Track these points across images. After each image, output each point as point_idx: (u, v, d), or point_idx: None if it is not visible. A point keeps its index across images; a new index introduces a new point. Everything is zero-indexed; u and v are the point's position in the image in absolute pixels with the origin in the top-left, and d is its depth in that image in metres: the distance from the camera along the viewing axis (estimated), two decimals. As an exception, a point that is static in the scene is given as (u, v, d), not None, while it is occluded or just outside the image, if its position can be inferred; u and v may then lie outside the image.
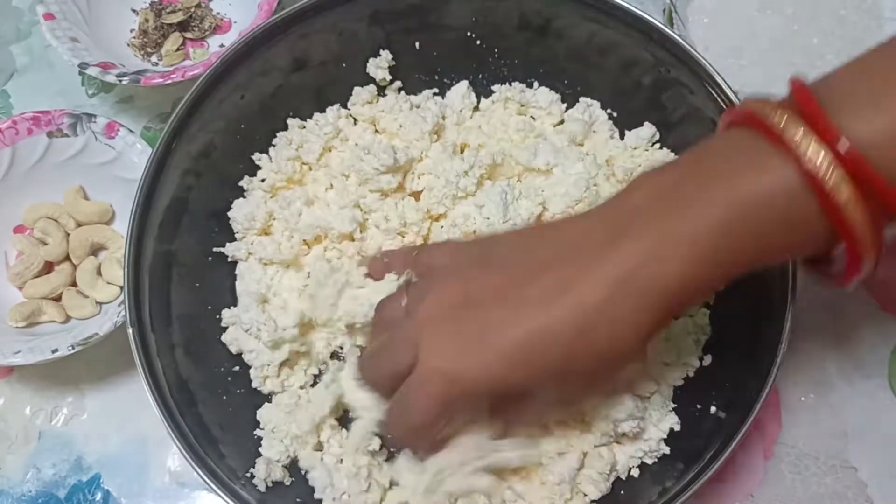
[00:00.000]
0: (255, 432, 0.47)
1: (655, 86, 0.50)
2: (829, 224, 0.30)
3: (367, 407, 0.41)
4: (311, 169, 0.53)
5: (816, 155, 0.29)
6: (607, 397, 0.43)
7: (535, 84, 0.54)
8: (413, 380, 0.36)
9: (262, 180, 0.52)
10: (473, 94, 0.55)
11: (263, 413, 0.47)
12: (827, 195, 0.29)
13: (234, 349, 0.49)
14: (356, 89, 0.54)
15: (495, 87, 0.54)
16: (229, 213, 0.51)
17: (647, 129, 0.52)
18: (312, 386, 0.49)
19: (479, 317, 0.35)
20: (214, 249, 0.51)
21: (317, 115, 0.54)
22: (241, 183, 0.52)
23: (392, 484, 0.45)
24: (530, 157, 0.50)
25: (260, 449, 0.46)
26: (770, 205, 0.30)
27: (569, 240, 0.35)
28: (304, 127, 0.53)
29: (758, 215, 0.31)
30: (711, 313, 0.48)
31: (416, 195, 0.51)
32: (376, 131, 0.54)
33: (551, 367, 0.34)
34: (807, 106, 0.30)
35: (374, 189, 0.50)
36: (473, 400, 0.36)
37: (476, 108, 0.55)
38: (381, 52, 0.53)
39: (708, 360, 0.45)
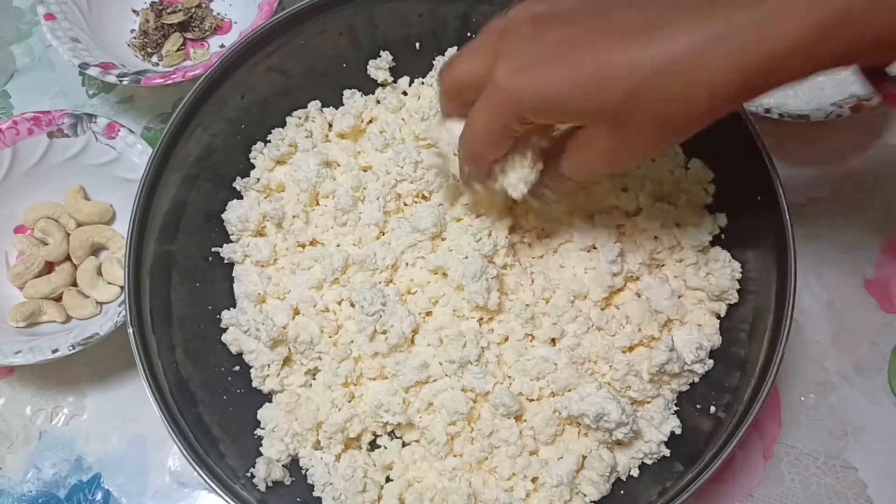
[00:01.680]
0: (255, 432, 0.47)
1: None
2: None
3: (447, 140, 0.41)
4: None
5: None
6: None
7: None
8: (483, 95, 0.36)
9: (257, 180, 0.52)
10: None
11: (263, 413, 0.48)
12: None
13: (234, 349, 0.49)
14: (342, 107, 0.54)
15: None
16: (223, 215, 0.51)
17: None
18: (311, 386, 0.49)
19: (560, 35, 0.33)
20: (213, 250, 0.51)
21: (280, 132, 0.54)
22: (234, 184, 0.52)
23: (388, 479, 0.46)
24: None
25: (260, 448, 0.47)
26: None
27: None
28: (303, 125, 0.53)
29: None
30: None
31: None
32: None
33: (616, 105, 0.32)
34: None
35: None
36: (532, 118, 0.35)
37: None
38: (382, 52, 0.53)
39: (710, 364, 0.45)
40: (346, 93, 0.54)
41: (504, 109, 0.35)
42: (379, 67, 0.54)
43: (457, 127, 0.40)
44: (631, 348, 0.45)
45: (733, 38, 0.30)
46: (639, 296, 0.46)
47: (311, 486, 0.46)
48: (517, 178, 0.40)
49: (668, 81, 0.31)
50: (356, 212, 0.49)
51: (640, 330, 0.45)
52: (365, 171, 0.51)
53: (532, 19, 0.35)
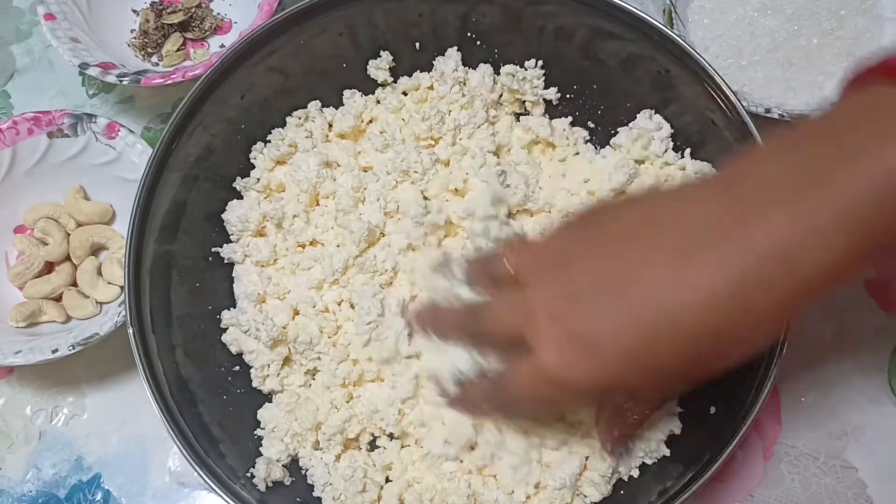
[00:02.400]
0: (255, 432, 0.47)
1: (655, 86, 0.50)
2: None
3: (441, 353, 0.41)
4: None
5: None
6: None
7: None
8: (524, 370, 0.33)
9: (257, 180, 0.52)
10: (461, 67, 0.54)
11: (263, 413, 0.48)
12: None
13: (234, 349, 0.49)
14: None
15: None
16: (223, 216, 0.51)
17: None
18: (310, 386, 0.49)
19: (593, 311, 0.31)
20: (213, 250, 0.51)
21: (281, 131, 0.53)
22: (234, 184, 0.52)
23: (388, 479, 0.46)
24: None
25: (260, 448, 0.47)
26: None
27: (692, 220, 0.30)
28: (303, 125, 0.53)
29: None
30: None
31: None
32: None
33: (675, 367, 0.31)
34: None
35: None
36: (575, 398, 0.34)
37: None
38: (382, 52, 0.53)
39: None
40: (346, 93, 0.54)
41: (550, 392, 0.33)
42: (379, 67, 0.54)
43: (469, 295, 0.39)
44: None
45: (773, 267, 0.28)
46: None
47: (311, 486, 0.46)
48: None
49: (726, 321, 0.29)
50: (357, 212, 0.49)
51: None
52: (365, 171, 0.51)
53: (559, 289, 0.33)
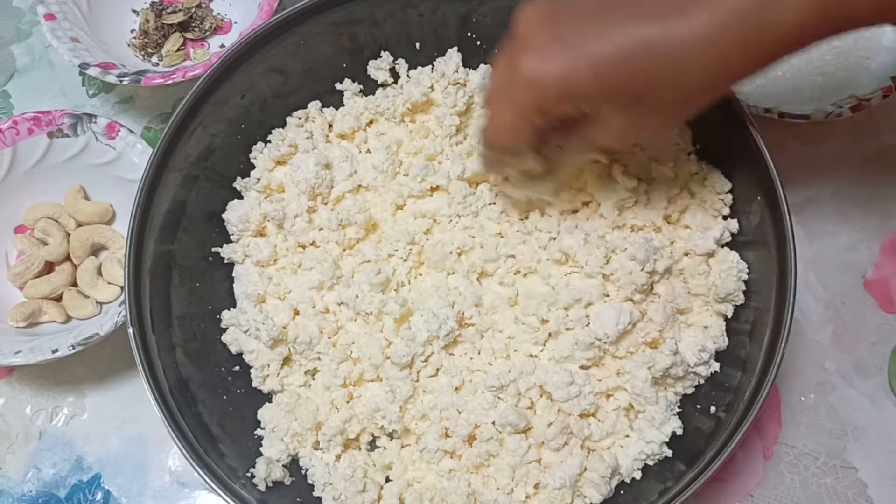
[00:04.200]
0: (255, 432, 0.47)
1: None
2: None
3: None
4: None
5: None
6: None
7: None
8: (504, 87, 0.37)
9: (258, 180, 0.52)
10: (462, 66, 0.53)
11: (264, 413, 0.48)
12: None
13: (234, 349, 0.49)
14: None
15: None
16: (223, 215, 0.51)
17: None
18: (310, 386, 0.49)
19: (576, 26, 0.34)
20: (213, 249, 0.51)
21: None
22: (234, 184, 0.52)
23: (388, 479, 0.46)
24: None
25: (260, 448, 0.47)
26: None
27: None
28: (303, 125, 0.53)
29: None
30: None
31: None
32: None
33: (637, 85, 0.34)
34: None
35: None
36: (554, 106, 0.36)
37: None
38: (382, 52, 0.53)
39: (716, 366, 0.45)
40: (346, 83, 0.54)
41: (526, 98, 0.36)
42: (379, 68, 0.54)
43: None
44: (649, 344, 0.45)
45: (742, 19, 0.32)
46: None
47: (312, 486, 0.46)
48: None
49: (685, 61, 0.33)
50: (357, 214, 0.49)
51: (660, 331, 0.45)
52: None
53: (544, 16, 0.36)
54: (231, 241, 0.51)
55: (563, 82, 0.35)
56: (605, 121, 0.37)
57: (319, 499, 0.46)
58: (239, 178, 0.52)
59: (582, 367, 0.45)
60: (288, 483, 0.46)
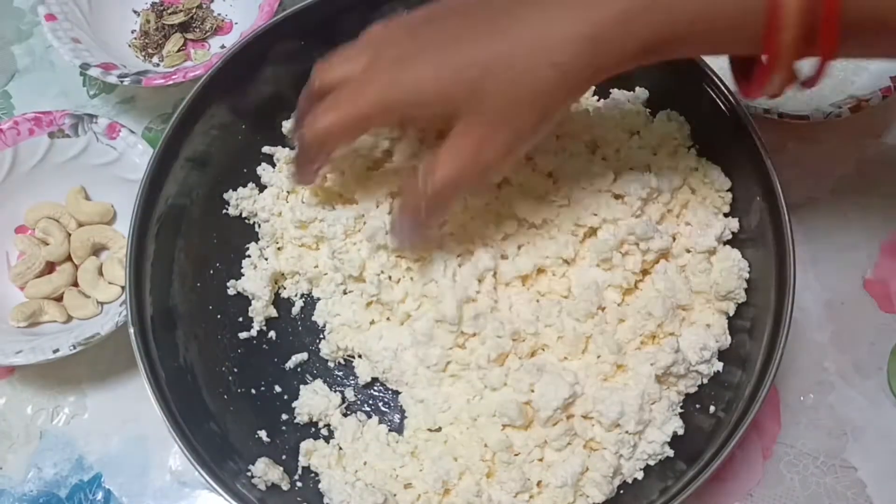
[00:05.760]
0: (255, 433, 0.48)
1: (654, 86, 0.51)
2: (762, 23, 0.32)
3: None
4: None
5: None
6: None
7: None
8: (345, 87, 0.39)
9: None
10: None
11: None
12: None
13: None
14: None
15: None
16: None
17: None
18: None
19: (431, 36, 0.38)
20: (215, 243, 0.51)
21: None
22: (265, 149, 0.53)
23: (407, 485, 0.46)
24: None
25: (263, 448, 0.47)
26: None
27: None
28: None
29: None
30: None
31: None
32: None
33: (470, 90, 0.36)
34: None
35: None
36: (402, 110, 0.38)
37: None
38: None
39: (719, 366, 0.45)
40: None
41: (372, 98, 0.38)
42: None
43: None
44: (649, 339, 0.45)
45: (558, 26, 0.35)
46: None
47: (313, 488, 0.46)
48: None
49: (510, 63, 0.35)
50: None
51: (660, 325, 0.45)
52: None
53: (407, 23, 0.39)
54: (232, 239, 0.51)
55: (407, 85, 0.37)
56: (460, 138, 0.37)
57: (320, 499, 0.45)
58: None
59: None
60: (286, 488, 0.46)
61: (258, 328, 0.51)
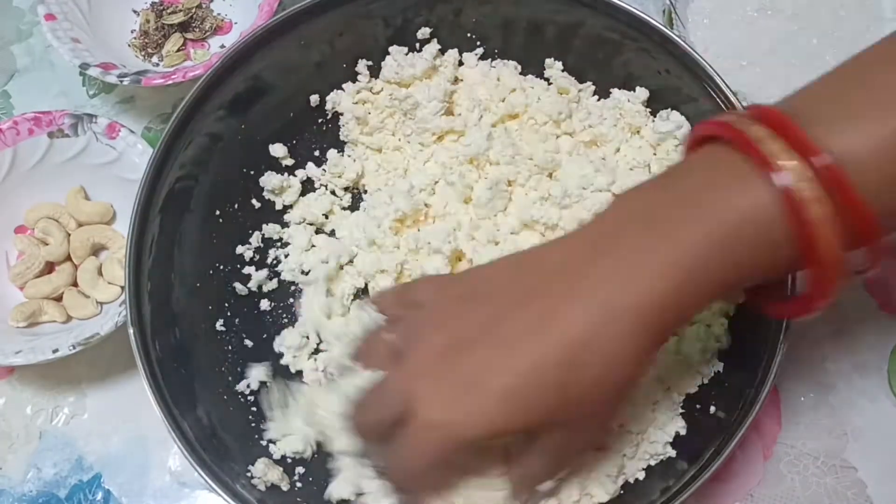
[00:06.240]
0: (255, 433, 0.47)
1: (655, 86, 0.50)
2: (800, 245, 0.30)
3: (351, 451, 0.40)
4: None
5: (797, 170, 0.29)
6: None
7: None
8: (410, 432, 0.34)
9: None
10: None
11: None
12: (801, 210, 0.29)
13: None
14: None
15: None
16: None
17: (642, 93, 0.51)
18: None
19: (469, 361, 0.33)
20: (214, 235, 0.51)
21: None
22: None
23: None
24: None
25: (262, 444, 0.46)
26: (751, 223, 0.30)
27: (552, 264, 0.34)
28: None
29: (738, 235, 0.30)
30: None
31: None
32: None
33: (551, 405, 0.32)
34: (779, 122, 0.30)
35: None
36: (476, 448, 0.35)
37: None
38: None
39: (719, 366, 0.45)
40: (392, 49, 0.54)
41: (442, 443, 0.33)
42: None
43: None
44: None
45: (614, 306, 0.31)
46: None
47: (314, 488, 0.46)
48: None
49: (581, 360, 0.32)
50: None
51: None
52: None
53: (436, 351, 0.34)
54: (233, 241, 0.51)
55: (479, 425, 0.32)
56: (540, 446, 0.35)
57: (321, 496, 0.45)
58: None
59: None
60: (286, 489, 0.46)
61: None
